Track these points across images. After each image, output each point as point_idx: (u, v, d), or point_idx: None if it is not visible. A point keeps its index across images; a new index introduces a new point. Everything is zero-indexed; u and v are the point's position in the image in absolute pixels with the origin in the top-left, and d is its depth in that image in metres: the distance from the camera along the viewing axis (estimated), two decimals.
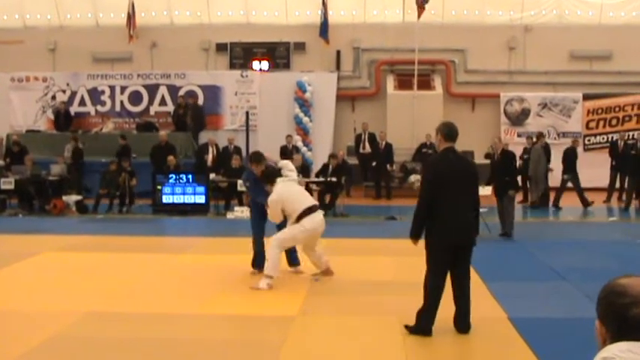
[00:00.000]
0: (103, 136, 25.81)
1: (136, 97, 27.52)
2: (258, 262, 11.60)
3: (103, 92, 27.62)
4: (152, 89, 27.42)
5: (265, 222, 11.84)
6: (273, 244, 10.87)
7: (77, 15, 29.49)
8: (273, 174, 11.42)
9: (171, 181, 20.70)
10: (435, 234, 8.24)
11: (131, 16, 28.03)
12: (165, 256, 13.85)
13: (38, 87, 27.90)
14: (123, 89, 27.56)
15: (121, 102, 27.60)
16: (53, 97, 27.76)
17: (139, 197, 21.36)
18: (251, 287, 10.65)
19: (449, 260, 8.26)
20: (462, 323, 8.38)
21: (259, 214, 11.83)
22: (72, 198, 20.92)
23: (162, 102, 27.42)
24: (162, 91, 27.39)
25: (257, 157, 11.97)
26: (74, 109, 27.59)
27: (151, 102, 27.45)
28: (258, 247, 11.81)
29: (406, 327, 8.31)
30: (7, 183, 20.97)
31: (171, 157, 21.69)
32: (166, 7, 29.04)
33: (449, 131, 8.52)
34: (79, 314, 9.32)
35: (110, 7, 28.95)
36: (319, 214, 11.17)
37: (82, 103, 27.71)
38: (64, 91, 27.73)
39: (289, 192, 11.10)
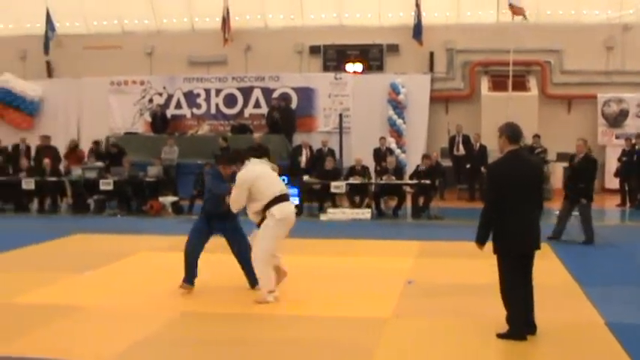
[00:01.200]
0: (198, 139, 26.15)
1: (230, 100, 27.82)
2: (191, 276, 10.78)
3: (198, 95, 28.00)
4: (246, 92, 27.67)
5: (209, 237, 11.05)
6: (258, 260, 10.10)
7: (173, 20, 29.97)
8: (239, 155, 10.50)
9: None
10: (500, 240, 8.12)
11: (226, 20, 28.35)
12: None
13: (136, 90, 28.43)
14: (218, 92, 27.89)
15: (216, 105, 27.93)
16: (150, 100, 28.25)
17: None
18: (256, 301, 10.04)
19: (519, 264, 8.14)
20: (531, 327, 8.28)
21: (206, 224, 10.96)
22: (168, 199, 21.27)
23: (257, 104, 27.64)
24: (257, 93, 27.61)
25: (232, 159, 10.74)
26: (170, 111, 28.04)
27: (245, 104, 27.70)
28: (192, 259, 10.82)
29: (499, 335, 8.20)
30: (106, 184, 21.43)
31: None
32: (260, 10, 29.28)
33: (513, 132, 8.31)
34: (175, 314, 9.46)
35: (205, 11, 29.32)
36: (290, 205, 10.32)
37: (178, 105, 28.14)
38: (160, 95, 28.20)
39: (263, 171, 10.11)
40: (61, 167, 23.73)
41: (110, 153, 24.35)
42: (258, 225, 10.11)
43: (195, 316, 9.37)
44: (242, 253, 10.71)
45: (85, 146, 26.23)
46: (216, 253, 13.81)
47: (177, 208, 21.16)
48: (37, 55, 29.90)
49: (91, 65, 29.23)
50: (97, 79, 28.56)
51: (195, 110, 27.97)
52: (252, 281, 10.64)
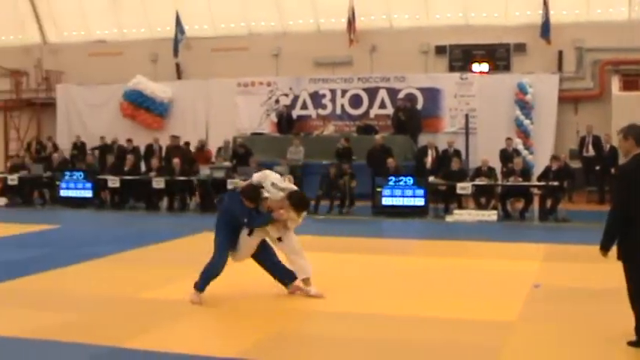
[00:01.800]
0: (324, 139, 26.34)
1: (356, 101, 27.91)
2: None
3: (324, 96, 28.21)
4: (372, 92, 27.72)
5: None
6: (297, 256, 10.33)
7: (299, 21, 30.27)
8: (256, 192, 10.19)
9: (390, 183, 20.85)
10: (626, 245, 7.84)
11: (351, 21, 28.46)
12: (385, 258, 13.96)
13: (262, 91, 28.84)
14: (343, 93, 28.03)
15: (342, 105, 28.07)
16: (276, 101, 28.62)
17: (358, 199, 21.62)
18: (311, 295, 10.26)
19: None
20: None
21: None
22: None
23: (382, 105, 27.65)
24: (382, 94, 27.63)
25: (254, 194, 10.31)
26: (296, 112, 28.34)
27: (370, 105, 27.75)
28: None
29: (629, 343, 7.97)
30: (233, 184, 21.74)
31: (390, 160, 21.86)
32: (386, 10, 29.28)
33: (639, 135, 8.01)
34: (300, 312, 9.54)
35: (331, 12, 29.51)
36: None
37: (304, 106, 28.42)
38: (286, 95, 28.53)
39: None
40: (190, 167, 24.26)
41: (237, 153, 24.75)
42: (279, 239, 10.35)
43: (321, 315, 9.43)
44: (271, 257, 10.58)
45: (213, 146, 26.76)
46: (345, 254, 13.89)
47: None
48: (167, 57, 30.66)
49: (218, 67, 29.81)
50: (225, 81, 29.12)
51: (320, 111, 28.18)
52: (286, 279, 10.50)
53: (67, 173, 23.82)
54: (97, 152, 27.44)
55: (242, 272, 11.82)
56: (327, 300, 10.22)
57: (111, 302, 10.05)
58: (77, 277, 12.08)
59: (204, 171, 23.04)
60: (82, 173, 23.75)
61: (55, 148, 28.28)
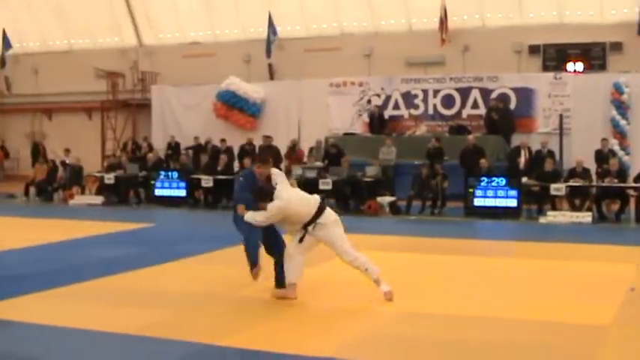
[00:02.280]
0: (416, 139, 26.26)
1: (448, 101, 27.74)
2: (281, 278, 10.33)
3: (416, 96, 28.11)
4: (464, 92, 27.51)
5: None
6: (357, 256, 10.20)
7: (391, 21, 30.26)
8: (267, 192, 9.94)
9: (483, 184, 20.68)
10: None
11: (443, 20, 28.32)
12: (476, 259, 13.85)
13: (354, 91, 28.89)
14: (435, 93, 27.89)
15: (434, 105, 27.93)
16: (368, 101, 28.63)
17: (450, 200, 21.49)
18: (385, 296, 10.00)
19: None
20: None
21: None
22: (385, 199, 21.45)
23: (475, 105, 27.42)
24: (475, 94, 27.40)
25: (264, 158, 10.60)
26: (388, 112, 28.31)
27: (463, 105, 27.55)
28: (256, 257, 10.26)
29: None
30: (325, 184, 21.88)
31: (483, 160, 21.68)
32: (478, 10, 29.05)
33: None
34: (391, 313, 9.53)
35: (423, 12, 29.41)
36: (331, 211, 10.35)
37: (396, 106, 28.37)
38: (378, 95, 28.53)
39: (291, 194, 10.09)
40: (282, 167, 24.44)
41: (329, 153, 24.84)
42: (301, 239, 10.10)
43: (411, 316, 9.40)
44: (276, 248, 10.44)
45: (305, 146, 26.92)
46: (436, 255, 13.84)
47: (394, 208, 21.30)
48: (260, 58, 30.98)
49: (310, 67, 29.99)
50: (317, 81, 29.26)
51: (412, 111, 28.09)
52: (279, 282, 10.33)
53: (162, 173, 24.25)
54: (190, 152, 27.83)
55: (337, 272, 11.90)
56: (418, 301, 10.21)
57: (205, 300, 10.20)
58: (171, 274, 12.30)
59: (296, 171, 23.19)
60: (176, 173, 24.15)
61: (150, 148, 28.82)
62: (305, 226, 9.98)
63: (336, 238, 10.14)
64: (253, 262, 10.12)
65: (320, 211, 10.03)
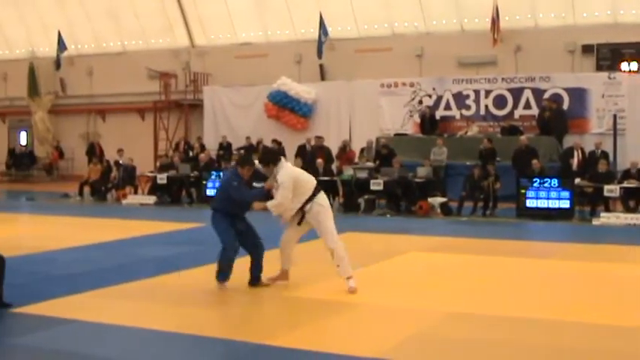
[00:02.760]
0: (467, 140, 26.13)
1: (500, 101, 27.54)
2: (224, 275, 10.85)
3: (467, 96, 27.96)
4: (516, 93, 27.29)
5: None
6: (339, 247, 10.65)
7: (442, 21, 30.14)
8: (274, 153, 11.06)
9: (535, 185, 20.51)
10: None
11: (495, 20, 28.12)
12: (528, 261, 13.74)
13: (405, 92, 28.83)
14: (487, 93, 27.71)
15: (486, 106, 27.76)
16: (420, 102, 28.55)
17: (502, 201, 21.35)
18: (348, 292, 10.47)
19: None
20: None
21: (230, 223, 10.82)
22: (437, 200, 21.38)
23: (527, 105, 27.18)
24: (527, 94, 27.16)
25: (247, 160, 11.10)
26: (439, 113, 28.19)
27: (515, 106, 27.32)
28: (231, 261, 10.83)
29: None
30: (377, 184, 21.87)
31: (535, 161, 21.50)
32: (530, 9, 28.82)
33: None
34: (441, 314, 9.51)
35: (474, 12, 29.25)
36: (324, 195, 10.93)
37: (447, 107, 28.25)
38: (429, 96, 28.43)
39: (298, 170, 10.97)
40: (334, 167, 24.46)
41: (380, 154, 24.81)
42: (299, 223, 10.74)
43: (460, 317, 9.38)
44: (259, 250, 11.01)
45: (356, 147, 26.90)
46: (487, 256, 13.78)
47: (446, 209, 21.22)
48: (311, 58, 31.02)
49: (362, 68, 30.00)
50: (368, 82, 29.25)
51: (464, 111, 27.96)
52: (255, 279, 10.91)
53: (214, 173, 24.38)
54: (242, 152, 27.96)
55: (390, 271, 11.90)
56: (469, 302, 10.17)
57: (258, 299, 10.26)
58: None
59: (348, 171, 23.21)
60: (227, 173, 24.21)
61: (202, 148, 29.03)
62: (302, 208, 10.54)
63: (328, 222, 10.66)
64: (223, 278, 10.63)
65: (317, 190, 10.62)
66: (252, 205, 10.66)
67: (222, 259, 10.72)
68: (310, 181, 10.72)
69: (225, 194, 10.77)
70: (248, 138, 28.85)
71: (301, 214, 10.63)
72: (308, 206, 10.53)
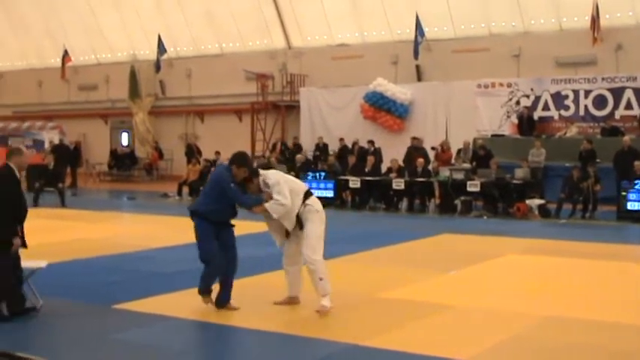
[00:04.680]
0: (566, 141, 25.70)
1: (600, 101, 26.98)
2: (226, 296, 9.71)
3: (566, 97, 27.46)
4: (617, 93, 26.68)
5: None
6: (318, 261, 9.40)
7: (541, 20, 29.72)
8: (243, 157, 9.74)
9: (637, 187, 20.06)
10: None
11: (595, 19, 27.58)
12: (628, 265, 13.46)
13: (503, 93, 28.49)
14: (587, 93, 27.16)
15: (585, 106, 27.22)
16: (517, 102, 28.18)
17: (602, 203, 20.93)
18: (317, 311, 9.38)
19: None
20: None
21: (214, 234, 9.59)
22: (535, 202, 21.10)
23: (628, 106, 26.53)
24: (628, 94, 26.50)
25: (245, 160, 9.83)
26: (537, 113, 27.77)
27: (616, 106, 26.71)
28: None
29: None
30: (473, 186, 21.70)
31: (638, 163, 21.01)
32: (631, 7, 28.18)
33: None
34: (538, 317, 9.37)
35: (573, 10, 28.74)
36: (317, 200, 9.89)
37: (546, 107, 27.80)
38: (527, 96, 28.03)
39: (283, 175, 9.80)
40: (430, 168, 24.36)
41: (477, 155, 24.61)
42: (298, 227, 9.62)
43: (558, 321, 9.23)
44: (231, 267, 9.72)
45: (453, 148, 26.72)
46: (585, 259, 13.55)
47: (544, 211, 20.93)
48: (408, 59, 30.95)
49: (458, 68, 29.78)
50: (464, 82, 29.02)
51: (563, 112, 27.49)
52: (223, 301, 9.64)
53: (310, 173, 24.53)
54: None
55: (486, 274, 11.81)
56: (565, 305, 10.02)
57: (350, 300, 10.28)
58: None
59: (444, 172, 23.09)
60: (324, 174, 24.39)
61: (299, 149, 29.22)
62: (298, 215, 9.53)
63: (313, 231, 9.46)
64: (207, 291, 9.63)
65: (308, 193, 9.74)
66: (252, 208, 9.64)
67: (209, 273, 9.60)
68: (299, 182, 10.11)
69: (217, 195, 9.63)
70: (341, 140, 28.95)
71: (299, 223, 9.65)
72: (301, 208, 9.56)
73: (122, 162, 37.87)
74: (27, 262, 9.49)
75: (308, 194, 9.71)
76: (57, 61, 40.07)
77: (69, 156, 31.12)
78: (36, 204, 22.98)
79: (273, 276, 11.97)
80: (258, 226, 18.44)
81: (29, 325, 8.87)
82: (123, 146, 39.27)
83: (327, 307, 9.40)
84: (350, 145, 28.34)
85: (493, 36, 30.41)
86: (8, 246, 8.90)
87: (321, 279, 9.40)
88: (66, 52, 39.16)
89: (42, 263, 9.71)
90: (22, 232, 9.20)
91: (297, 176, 24.55)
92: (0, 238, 8.88)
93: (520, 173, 22.06)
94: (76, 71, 40.42)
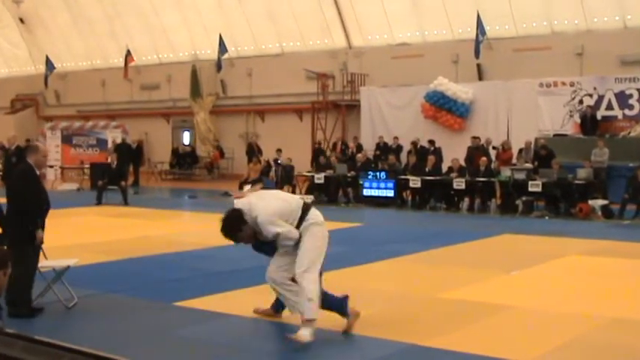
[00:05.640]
0: (631, 140, 25.33)
1: None
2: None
3: (630, 96, 27.06)
4: None
5: None
6: (309, 277, 8.14)
7: (604, 18, 29.29)
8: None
9: None
10: None
11: None
12: None
13: (565, 92, 28.17)
14: None
15: None
16: (580, 102, 27.84)
17: None
18: (290, 337, 8.07)
19: None
20: None
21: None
22: (598, 202, 20.84)
23: None
24: None
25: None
26: (601, 113, 27.42)
27: None
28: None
29: None
30: (535, 185, 21.48)
31: None
32: None
33: None
34: (601, 319, 9.26)
35: (638, 7, 28.32)
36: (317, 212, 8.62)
37: (609, 107, 27.43)
38: (590, 95, 27.68)
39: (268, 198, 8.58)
40: (492, 167, 24.19)
41: (539, 154, 24.38)
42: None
43: (623, 323, 9.11)
44: None
45: (514, 147, 26.49)
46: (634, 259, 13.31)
47: (607, 212, 20.65)
48: (469, 58, 30.76)
49: (520, 67, 29.52)
50: (526, 81, 28.75)
51: (627, 111, 27.11)
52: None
53: (370, 173, 24.53)
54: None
55: (548, 275, 11.70)
56: (629, 308, 9.90)
57: (411, 300, 10.27)
58: (379, 273, 12.47)
59: (505, 172, 22.91)
60: (384, 173, 24.37)
61: (359, 148, 29.24)
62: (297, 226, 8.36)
63: (312, 244, 8.30)
64: None
65: (306, 210, 8.44)
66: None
67: None
68: (291, 199, 8.84)
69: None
70: (396, 138, 28.98)
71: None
72: (303, 225, 8.33)
73: (183, 161, 38.26)
74: (56, 260, 9.75)
75: (307, 208, 8.49)
76: (120, 61, 40.63)
77: (131, 155, 31.49)
78: (99, 202, 23.39)
79: (333, 275, 12.01)
80: None
81: (90, 320, 9.01)
82: (184, 145, 39.64)
83: (306, 339, 7.98)
84: (410, 145, 28.29)
85: (555, 34, 30.07)
86: (31, 241, 9.04)
87: (310, 300, 8.12)
88: (129, 52, 39.66)
89: (71, 261, 9.84)
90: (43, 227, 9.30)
91: (356, 177, 24.70)
92: (21, 234, 9.01)
93: (582, 173, 21.79)
94: (139, 71, 40.91)
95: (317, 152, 29.77)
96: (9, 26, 45.59)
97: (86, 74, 43.29)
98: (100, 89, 42.66)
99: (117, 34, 41.27)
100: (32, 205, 9.14)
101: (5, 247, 7.80)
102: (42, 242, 9.17)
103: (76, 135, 37.72)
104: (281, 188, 25.78)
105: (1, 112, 45.51)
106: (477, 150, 25.50)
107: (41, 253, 9.32)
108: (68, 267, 9.66)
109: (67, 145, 37.45)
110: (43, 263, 9.49)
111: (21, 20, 44.90)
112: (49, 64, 42.55)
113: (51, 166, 33.70)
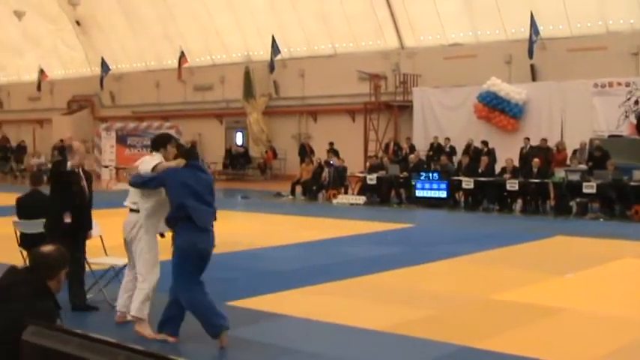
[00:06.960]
0: None
1: None
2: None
3: None
4: None
5: None
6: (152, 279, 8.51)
7: None
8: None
9: None
10: None
11: None
12: None
13: (621, 92, 27.82)
14: None
15: None
16: (636, 102, 27.48)
17: None
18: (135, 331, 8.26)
19: None
20: None
21: None
22: None
23: None
24: None
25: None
26: None
27: None
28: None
29: None
30: (589, 187, 21.27)
31: None
32: None
33: None
34: None
35: None
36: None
37: None
38: None
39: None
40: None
41: (593, 155, 24.13)
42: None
43: None
44: None
45: (569, 148, 26.25)
46: None
47: None
48: (522, 59, 30.51)
49: (574, 67, 29.20)
50: (580, 82, 28.44)
51: None
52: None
53: (423, 174, 24.48)
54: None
55: (603, 281, 11.60)
56: None
57: (464, 301, 10.25)
58: (432, 274, 12.45)
59: (559, 173, 22.72)
60: (437, 174, 24.31)
61: (412, 149, 29.19)
62: None
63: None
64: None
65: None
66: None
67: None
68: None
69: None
70: (447, 139, 28.91)
71: None
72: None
73: (236, 161, 38.49)
74: (115, 258, 9.98)
75: None
76: (174, 63, 40.95)
77: None
78: None
79: (387, 276, 12.04)
80: (376, 226, 18.61)
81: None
82: (237, 146, 39.85)
83: (141, 333, 8.24)
84: (463, 145, 28.19)
85: (610, 34, 29.70)
86: (77, 238, 9.26)
87: (143, 300, 8.42)
88: (182, 54, 39.95)
89: (119, 261, 9.91)
90: (87, 219, 9.51)
91: (408, 178, 24.66)
92: (54, 227, 9.24)
93: (638, 175, 21.51)
94: (192, 72, 41.23)
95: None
96: (66, 28, 46.21)
97: (140, 75, 43.75)
98: (154, 90, 43.06)
99: (171, 36, 41.61)
100: (58, 199, 9.34)
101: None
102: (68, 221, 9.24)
103: (130, 135, 38.14)
104: (334, 189, 25.92)
105: (58, 113, 46.16)
106: (534, 150, 25.32)
107: (102, 250, 9.49)
108: (125, 265, 9.79)
109: (121, 145, 37.88)
110: (103, 260, 9.64)
111: (77, 23, 45.51)
112: (105, 66, 43.07)
113: (106, 166, 34.09)
